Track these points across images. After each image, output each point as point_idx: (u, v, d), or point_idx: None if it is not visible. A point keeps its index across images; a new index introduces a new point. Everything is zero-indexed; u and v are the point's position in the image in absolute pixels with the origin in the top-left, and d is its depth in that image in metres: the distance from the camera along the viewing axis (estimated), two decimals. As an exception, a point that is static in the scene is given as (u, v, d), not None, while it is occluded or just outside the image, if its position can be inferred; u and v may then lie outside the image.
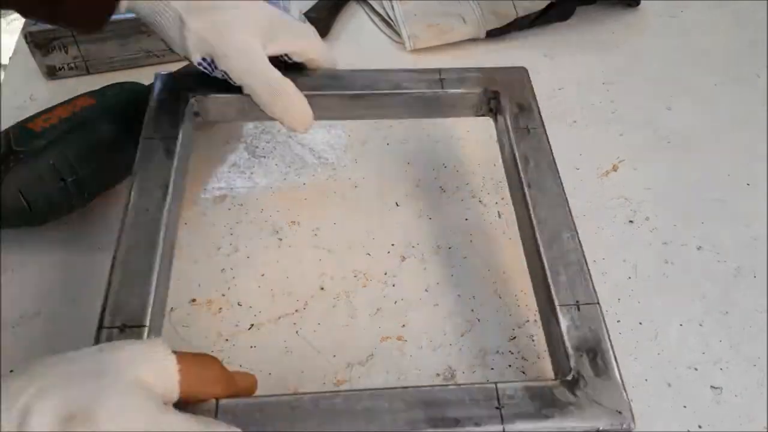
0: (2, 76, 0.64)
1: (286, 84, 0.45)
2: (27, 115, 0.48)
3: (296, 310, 0.46)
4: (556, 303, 0.38)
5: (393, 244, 0.50)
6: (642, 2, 0.74)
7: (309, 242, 0.50)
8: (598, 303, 0.39)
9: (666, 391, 0.43)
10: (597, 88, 0.65)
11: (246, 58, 0.43)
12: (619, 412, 0.34)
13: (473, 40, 0.69)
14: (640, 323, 0.47)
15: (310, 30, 0.48)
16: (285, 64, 0.47)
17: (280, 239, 0.50)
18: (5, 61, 0.68)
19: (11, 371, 0.41)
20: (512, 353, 0.45)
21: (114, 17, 0.42)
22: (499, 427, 0.34)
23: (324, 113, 0.48)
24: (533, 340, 0.45)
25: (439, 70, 0.50)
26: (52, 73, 0.61)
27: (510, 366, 0.44)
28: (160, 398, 0.30)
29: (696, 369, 0.44)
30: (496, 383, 0.35)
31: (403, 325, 0.46)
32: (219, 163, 0.55)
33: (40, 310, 0.45)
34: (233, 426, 0.31)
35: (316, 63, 0.49)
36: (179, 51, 0.44)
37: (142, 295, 0.37)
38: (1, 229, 0.48)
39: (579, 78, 0.66)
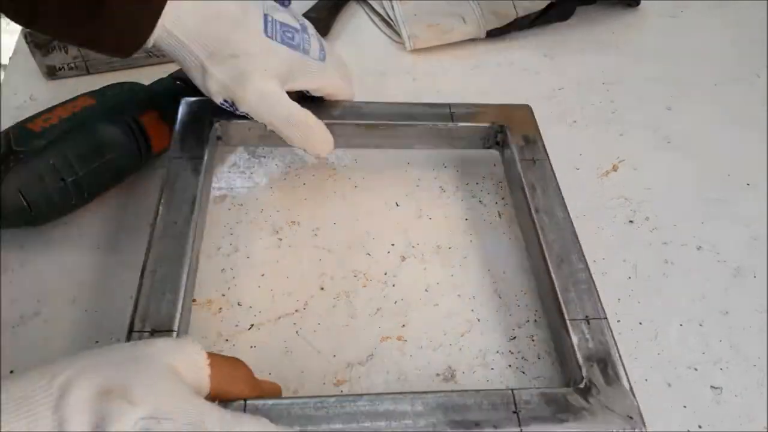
0: (2, 76, 0.64)
1: (305, 116, 0.48)
2: (27, 115, 0.48)
3: (296, 310, 0.46)
4: (567, 317, 0.41)
5: (393, 244, 0.50)
6: (642, 2, 0.74)
7: (309, 242, 0.50)
8: (606, 318, 0.41)
9: (666, 391, 0.43)
10: (597, 88, 0.65)
11: (265, 103, 0.46)
12: (631, 417, 0.37)
13: (473, 40, 0.69)
14: (640, 323, 0.47)
15: (329, 67, 0.49)
16: (305, 96, 0.51)
17: (280, 239, 0.50)
18: (5, 61, 0.68)
19: (11, 371, 0.42)
20: (512, 353, 0.45)
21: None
22: (517, 429, 0.36)
23: (340, 141, 0.51)
24: (533, 340, 0.45)
25: (449, 105, 0.53)
26: (52, 73, 0.61)
27: (510, 366, 0.44)
28: (191, 388, 0.31)
29: (696, 369, 0.45)
30: (512, 389, 0.38)
31: (403, 325, 0.46)
32: (219, 163, 0.55)
33: (40, 310, 0.45)
34: (263, 419, 0.31)
35: (334, 97, 0.52)
36: (202, 90, 0.46)
37: (170, 302, 0.40)
38: (1, 229, 0.48)
39: (579, 78, 0.66)
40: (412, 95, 0.63)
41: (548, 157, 0.51)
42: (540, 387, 0.42)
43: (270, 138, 0.49)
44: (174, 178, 0.46)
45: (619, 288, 0.49)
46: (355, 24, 0.71)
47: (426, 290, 0.48)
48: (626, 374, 0.39)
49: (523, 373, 0.44)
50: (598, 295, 0.42)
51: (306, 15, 0.69)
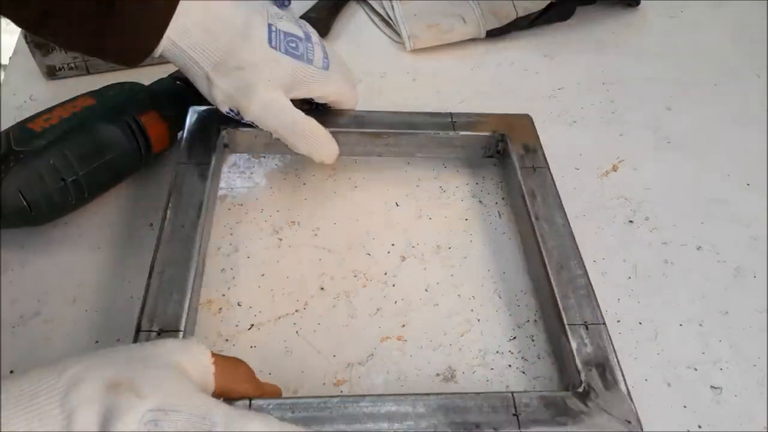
0: (2, 76, 0.64)
1: (310, 124, 0.49)
2: (27, 115, 0.48)
3: (296, 310, 0.46)
4: (566, 323, 0.42)
5: (393, 244, 0.50)
6: (642, 2, 0.74)
7: (309, 242, 0.50)
8: (605, 324, 0.42)
9: (666, 391, 0.43)
10: (597, 88, 0.65)
11: (270, 113, 0.47)
12: (628, 422, 0.38)
13: (473, 40, 0.69)
14: (640, 323, 0.47)
15: (332, 75, 0.50)
16: (311, 103, 0.52)
17: (280, 239, 0.50)
18: (5, 61, 0.68)
19: (11, 371, 0.42)
20: (512, 353, 0.45)
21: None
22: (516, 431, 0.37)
23: (344, 149, 0.52)
24: (533, 340, 0.45)
25: (451, 114, 0.54)
26: (52, 73, 0.61)
27: (510, 366, 0.44)
28: (197, 385, 0.32)
29: (696, 369, 0.45)
30: (512, 392, 0.38)
31: (403, 325, 0.46)
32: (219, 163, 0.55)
33: (40, 310, 0.45)
34: (268, 416, 0.32)
35: (338, 105, 0.53)
36: (208, 99, 0.47)
37: (177, 303, 0.41)
38: (1, 229, 0.48)
39: (579, 78, 0.66)
40: (412, 95, 0.63)
41: (548, 165, 0.51)
42: (540, 390, 0.42)
43: (276, 145, 0.50)
44: (181, 183, 0.47)
45: (619, 288, 0.49)
46: (355, 24, 0.71)
47: (426, 290, 0.48)
48: (624, 379, 0.40)
49: (523, 373, 0.44)
50: (597, 301, 0.43)
51: (306, 15, 0.69)
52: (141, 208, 0.52)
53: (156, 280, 0.41)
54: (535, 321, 0.46)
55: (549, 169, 0.51)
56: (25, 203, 0.44)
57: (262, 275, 0.48)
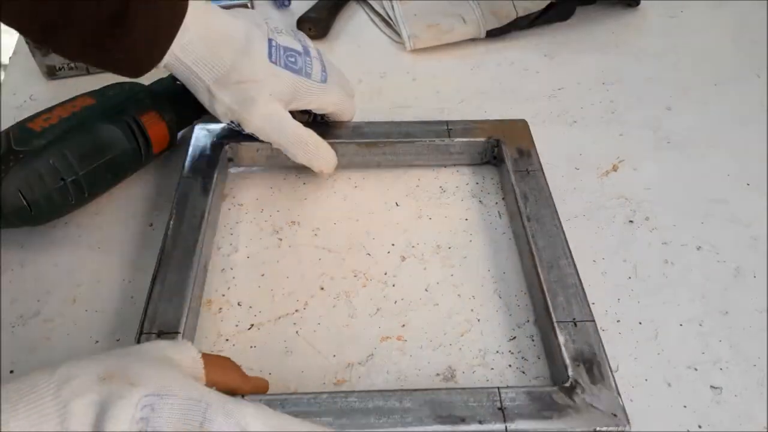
0: (2, 76, 0.64)
1: (309, 136, 0.50)
2: (27, 115, 0.48)
3: (296, 310, 0.46)
4: (555, 320, 0.43)
5: (393, 244, 0.50)
6: (642, 2, 0.74)
7: (309, 242, 0.50)
8: (593, 320, 0.43)
9: (666, 391, 0.43)
10: (597, 88, 0.65)
11: (270, 125, 0.49)
12: (615, 415, 0.38)
13: (473, 40, 0.69)
14: (640, 323, 0.47)
15: (330, 87, 0.51)
16: (310, 114, 0.54)
17: (280, 239, 0.50)
18: (5, 61, 0.68)
19: (11, 371, 0.42)
20: (512, 353, 0.45)
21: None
22: (502, 426, 0.37)
23: (342, 160, 0.53)
24: (533, 340, 0.45)
25: (447, 122, 0.55)
26: (52, 73, 0.61)
27: (510, 366, 0.44)
28: (189, 376, 0.32)
29: (696, 369, 0.44)
30: (498, 387, 0.39)
31: (403, 325, 0.46)
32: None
33: (40, 310, 0.45)
34: (261, 405, 0.32)
35: (336, 116, 0.54)
36: (210, 111, 0.49)
37: (177, 307, 0.42)
38: (1, 229, 0.48)
39: (579, 78, 0.66)
40: (412, 95, 0.63)
41: (542, 168, 0.52)
42: (527, 385, 0.42)
43: (278, 158, 0.52)
44: (186, 196, 0.49)
45: (619, 288, 0.49)
46: (355, 24, 0.72)
47: (426, 290, 0.48)
48: (612, 374, 0.40)
49: (523, 373, 0.44)
50: (587, 299, 0.44)
51: (306, 15, 0.69)
52: (141, 208, 0.52)
53: (158, 285, 0.43)
54: (535, 321, 0.46)
55: (543, 171, 0.52)
56: (25, 203, 0.44)
57: (262, 275, 0.48)
